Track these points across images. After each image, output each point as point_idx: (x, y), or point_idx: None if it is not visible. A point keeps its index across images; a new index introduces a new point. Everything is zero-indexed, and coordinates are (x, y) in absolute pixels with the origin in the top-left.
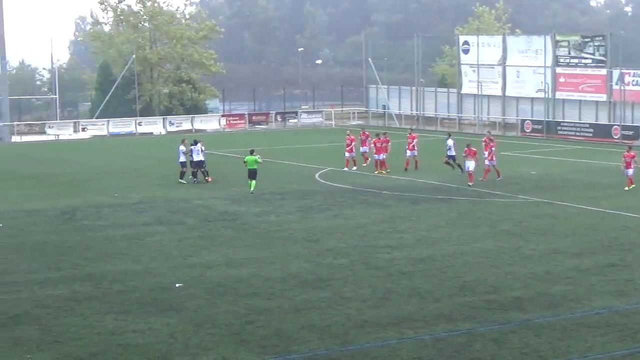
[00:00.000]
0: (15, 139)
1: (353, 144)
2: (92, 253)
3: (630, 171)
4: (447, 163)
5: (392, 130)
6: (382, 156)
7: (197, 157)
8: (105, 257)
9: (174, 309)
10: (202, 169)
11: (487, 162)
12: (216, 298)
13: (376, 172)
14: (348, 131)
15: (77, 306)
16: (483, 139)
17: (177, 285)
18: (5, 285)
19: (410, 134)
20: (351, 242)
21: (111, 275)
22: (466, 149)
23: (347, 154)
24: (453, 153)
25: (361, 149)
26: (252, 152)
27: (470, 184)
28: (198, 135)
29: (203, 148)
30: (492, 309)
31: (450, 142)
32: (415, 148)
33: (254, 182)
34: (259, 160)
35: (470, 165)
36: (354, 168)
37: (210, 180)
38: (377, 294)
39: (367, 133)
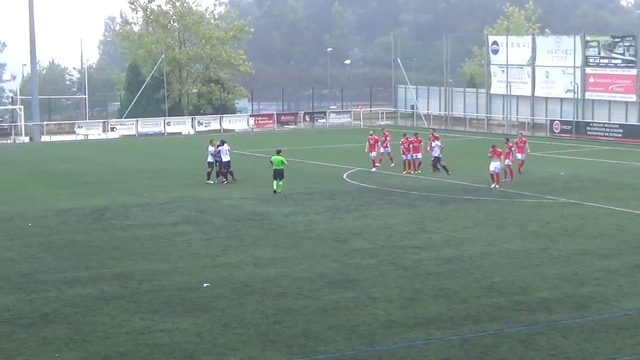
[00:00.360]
0: (45, 138)
1: (378, 144)
2: (120, 252)
3: None
4: (443, 167)
5: (421, 131)
6: (410, 156)
7: (225, 157)
8: (133, 256)
9: (201, 308)
10: (224, 170)
11: (506, 161)
12: (243, 298)
13: (404, 173)
14: (371, 131)
15: (106, 305)
16: (516, 141)
17: (204, 285)
18: (34, 284)
19: (432, 134)
20: (379, 242)
21: (139, 275)
22: (491, 149)
23: (371, 154)
24: (438, 154)
25: (382, 150)
26: (278, 152)
27: (497, 185)
28: (225, 136)
29: (229, 148)
30: (519, 310)
31: (438, 142)
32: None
33: (280, 182)
34: (285, 161)
35: (496, 166)
36: (374, 169)
37: (228, 181)
38: (405, 295)
39: (386, 133)
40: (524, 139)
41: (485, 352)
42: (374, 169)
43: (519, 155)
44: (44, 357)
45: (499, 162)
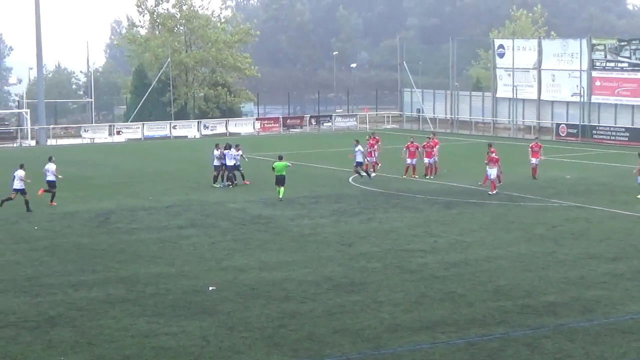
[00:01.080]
0: (51, 142)
1: (374, 148)
2: (125, 256)
3: None
4: (357, 172)
5: (426, 134)
6: (414, 161)
7: (230, 161)
8: (138, 260)
9: (207, 312)
10: (230, 174)
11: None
12: (249, 301)
13: (413, 176)
14: (367, 136)
15: (111, 309)
16: (530, 145)
17: (210, 288)
18: (40, 287)
19: (432, 139)
20: (384, 245)
21: (145, 278)
22: (487, 156)
23: (367, 159)
24: (360, 159)
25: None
26: (281, 158)
27: (491, 192)
28: (231, 139)
29: (236, 154)
30: (525, 313)
31: (360, 147)
32: (436, 154)
33: (282, 188)
34: (289, 164)
35: (492, 172)
36: (373, 174)
37: (232, 185)
38: (410, 298)
39: (377, 138)
40: (539, 143)
41: (491, 355)
42: (373, 174)
43: (533, 160)
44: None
45: (495, 169)
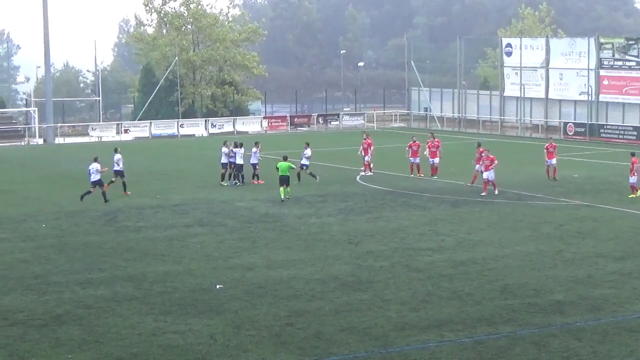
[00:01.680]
0: (59, 140)
1: (371, 148)
2: (133, 254)
3: (633, 179)
4: (310, 174)
5: (437, 133)
6: (417, 159)
7: (240, 160)
8: (146, 258)
9: (214, 310)
10: (242, 173)
11: (477, 166)
12: (256, 300)
13: (419, 175)
14: (364, 135)
15: (118, 307)
16: (546, 146)
17: (217, 286)
18: (47, 285)
19: (434, 138)
20: (392, 244)
21: (152, 276)
22: (486, 156)
23: (365, 158)
24: (305, 163)
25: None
26: (285, 158)
27: (496, 192)
28: (239, 137)
29: (258, 149)
30: (532, 312)
31: (308, 151)
32: (437, 154)
33: (287, 189)
34: (293, 166)
35: (490, 173)
36: (369, 173)
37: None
38: (418, 297)
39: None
40: (554, 144)
41: (498, 354)
42: (370, 173)
43: (551, 161)
44: (57, 358)
45: (492, 170)
